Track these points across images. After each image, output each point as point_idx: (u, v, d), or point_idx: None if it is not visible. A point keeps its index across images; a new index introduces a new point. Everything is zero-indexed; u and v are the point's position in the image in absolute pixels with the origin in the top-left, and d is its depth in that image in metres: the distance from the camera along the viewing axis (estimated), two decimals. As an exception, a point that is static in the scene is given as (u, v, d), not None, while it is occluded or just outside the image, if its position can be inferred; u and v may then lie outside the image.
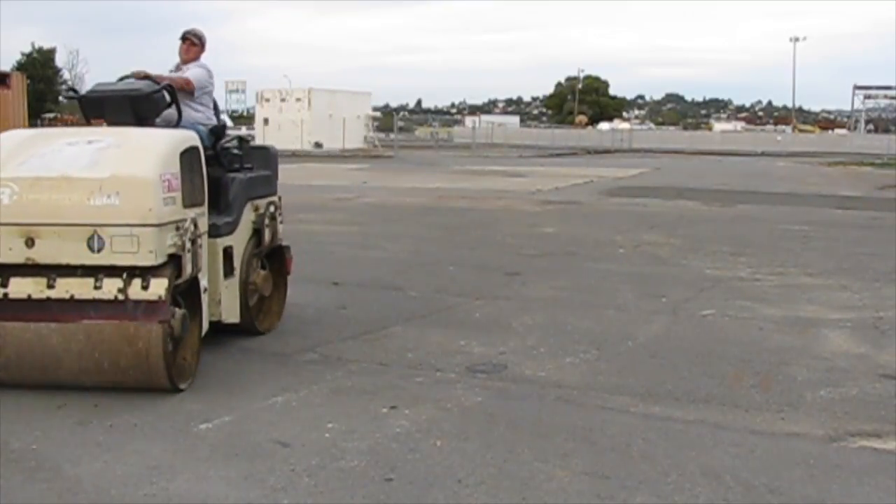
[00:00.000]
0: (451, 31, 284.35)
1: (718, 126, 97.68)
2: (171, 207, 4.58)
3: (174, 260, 4.58)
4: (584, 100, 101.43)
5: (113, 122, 5.36)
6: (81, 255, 4.43)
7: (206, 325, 5.11)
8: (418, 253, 9.90)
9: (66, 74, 67.01)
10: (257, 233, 5.82)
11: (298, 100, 48.88)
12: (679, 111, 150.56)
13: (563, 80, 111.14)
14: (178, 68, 6.15)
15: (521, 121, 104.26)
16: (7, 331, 4.45)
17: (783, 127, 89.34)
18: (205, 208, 5.07)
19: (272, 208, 5.98)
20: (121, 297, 4.40)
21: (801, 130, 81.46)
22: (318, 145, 45.40)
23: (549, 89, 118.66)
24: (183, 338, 4.71)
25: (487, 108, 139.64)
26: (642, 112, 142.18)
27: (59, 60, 65.94)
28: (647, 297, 7.34)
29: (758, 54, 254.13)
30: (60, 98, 64.25)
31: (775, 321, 6.50)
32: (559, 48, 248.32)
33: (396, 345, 5.71)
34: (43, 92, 58.41)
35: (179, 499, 3.38)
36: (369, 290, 6.97)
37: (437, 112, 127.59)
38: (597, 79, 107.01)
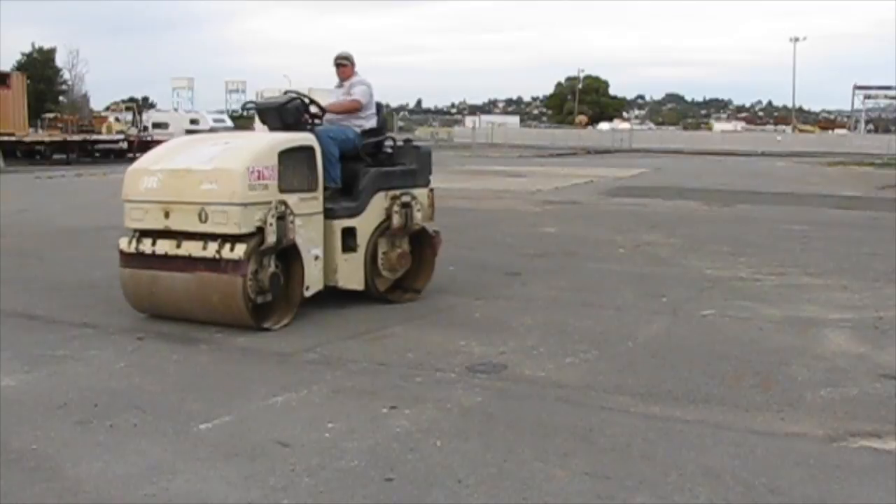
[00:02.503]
0: (451, 31, 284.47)
1: (718, 126, 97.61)
2: (257, 192, 5.87)
3: (261, 231, 5.84)
4: (584, 100, 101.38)
5: (272, 128, 6.81)
6: (195, 225, 5.92)
7: (317, 286, 6.39)
8: (418, 253, 9.89)
9: (66, 74, 67.02)
10: (389, 218, 6.88)
11: (298, 100, 48.76)
12: (679, 111, 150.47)
13: (563, 80, 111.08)
14: (341, 85, 7.52)
15: (521, 121, 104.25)
16: (156, 278, 6.13)
17: (783, 127, 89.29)
18: (316, 194, 6.35)
19: (407, 198, 6.97)
20: (217, 256, 5.81)
21: (801, 130, 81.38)
22: (318, 145, 45.33)
23: (549, 89, 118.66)
24: (275, 290, 6.04)
25: (487, 108, 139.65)
26: (642, 112, 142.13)
27: (59, 60, 65.90)
28: (647, 297, 7.34)
29: (758, 54, 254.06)
30: (61, 98, 64.24)
31: (775, 321, 6.49)
32: (559, 48, 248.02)
33: (396, 345, 5.71)
34: (43, 92, 58.34)
35: (179, 499, 3.38)
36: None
37: (437, 112, 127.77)
38: (597, 79, 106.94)
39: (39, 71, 59.89)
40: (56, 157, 33.58)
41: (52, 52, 64.85)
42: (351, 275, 6.70)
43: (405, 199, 6.97)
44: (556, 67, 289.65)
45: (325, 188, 6.57)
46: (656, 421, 4.27)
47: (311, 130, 6.74)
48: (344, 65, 7.50)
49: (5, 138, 31.64)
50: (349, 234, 6.67)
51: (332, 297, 7.09)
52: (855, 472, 3.66)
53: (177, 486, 3.48)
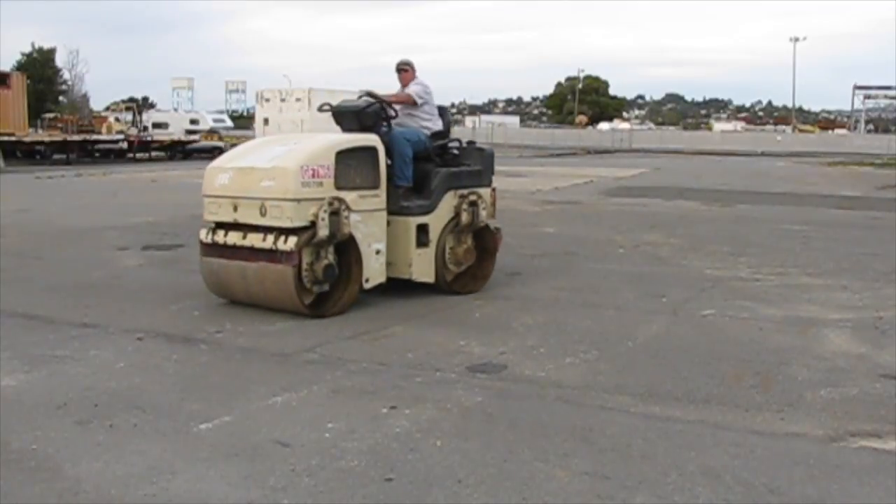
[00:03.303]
0: (451, 31, 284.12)
1: (718, 126, 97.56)
2: (310, 189, 6.29)
3: (314, 225, 6.25)
4: (584, 100, 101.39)
5: (347, 129, 7.19)
6: (257, 218, 6.39)
7: (378, 279, 6.82)
8: (418, 253, 9.87)
9: (66, 74, 67.04)
10: (458, 215, 7.34)
11: (298, 100, 48.82)
12: (679, 111, 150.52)
13: (563, 80, 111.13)
14: (401, 91, 7.83)
15: (521, 121, 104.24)
16: (227, 266, 6.62)
17: (783, 127, 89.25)
18: (378, 192, 6.76)
19: (473, 197, 7.43)
20: (274, 247, 6.25)
21: (801, 130, 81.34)
22: (318, 145, 45.31)
23: (549, 89, 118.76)
24: (329, 281, 6.48)
25: (487, 108, 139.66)
26: (642, 112, 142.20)
27: (59, 60, 65.95)
28: (647, 297, 7.34)
29: (758, 54, 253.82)
30: (61, 98, 64.23)
31: (775, 321, 6.49)
32: (559, 48, 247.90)
33: (396, 345, 5.71)
34: (43, 92, 58.37)
35: (179, 499, 3.38)
36: (369, 289, 6.98)
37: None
38: (597, 79, 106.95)
39: (39, 71, 59.92)
40: (56, 157, 33.58)
41: (52, 52, 64.90)
42: (423, 268, 7.18)
43: (472, 197, 7.45)
44: (556, 67, 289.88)
45: (398, 187, 7.09)
46: (656, 421, 4.27)
47: (388, 133, 7.15)
48: (405, 70, 7.91)
49: (5, 138, 31.64)
50: (422, 230, 7.15)
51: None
52: (855, 472, 3.66)
53: (177, 486, 3.48)
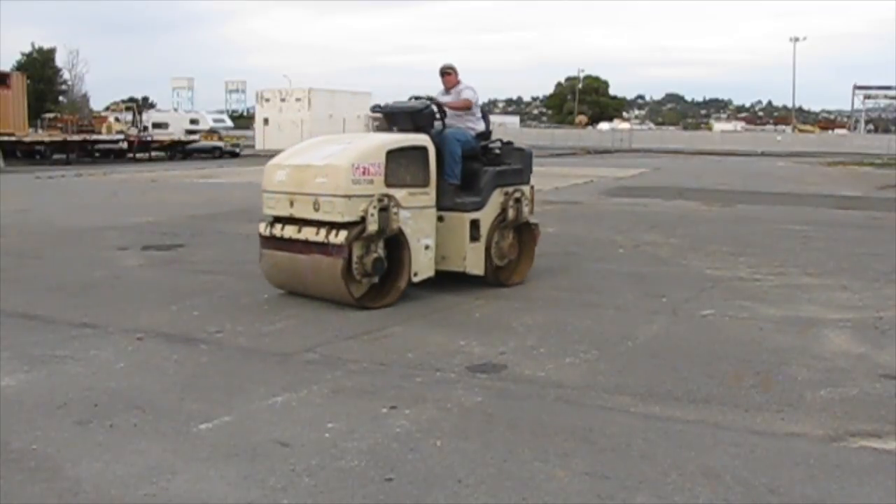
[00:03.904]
0: (451, 31, 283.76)
1: (718, 126, 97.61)
2: (361, 186, 6.55)
3: (364, 220, 6.52)
4: (584, 100, 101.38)
5: (401, 130, 7.49)
6: (311, 213, 6.70)
7: (427, 273, 7.09)
8: (418, 253, 9.87)
9: (66, 74, 67.10)
10: (504, 211, 7.69)
11: (298, 100, 48.98)
12: (679, 111, 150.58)
13: (563, 80, 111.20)
14: (447, 92, 8.17)
15: (521, 121, 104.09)
16: (284, 258, 6.94)
17: (783, 127, 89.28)
18: (427, 189, 7.03)
19: (518, 194, 7.81)
20: (326, 240, 6.55)
21: (801, 130, 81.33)
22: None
23: (549, 89, 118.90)
24: (378, 274, 6.76)
25: (487, 108, 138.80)
26: (642, 112, 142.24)
27: (59, 60, 66.04)
28: (647, 297, 7.34)
29: (758, 54, 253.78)
30: (61, 98, 64.24)
31: (775, 321, 6.49)
32: (559, 48, 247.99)
33: (396, 345, 5.71)
34: (43, 92, 58.42)
35: (179, 499, 3.38)
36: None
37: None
38: (597, 79, 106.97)
39: (39, 71, 59.98)
40: (56, 157, 33.62)
41: (52, 52, 64.98)
42: (475, 262, 7.50)
43: (517, 195, 7.83)
44: (556, 67, 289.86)
45: (449, 185, 7.36)
46: (656, 421, 4.27)
47: (441, 132, 7.46)
48: (449, 73, 8.22)
49: (5, 138, 31.68)
50: (474, 225, 7.48)
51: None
52: (855, 472, 3.66)
53: (177, 486, 3.48)
